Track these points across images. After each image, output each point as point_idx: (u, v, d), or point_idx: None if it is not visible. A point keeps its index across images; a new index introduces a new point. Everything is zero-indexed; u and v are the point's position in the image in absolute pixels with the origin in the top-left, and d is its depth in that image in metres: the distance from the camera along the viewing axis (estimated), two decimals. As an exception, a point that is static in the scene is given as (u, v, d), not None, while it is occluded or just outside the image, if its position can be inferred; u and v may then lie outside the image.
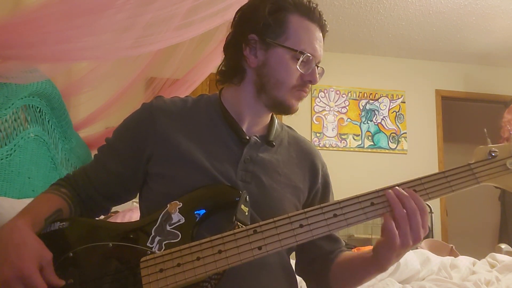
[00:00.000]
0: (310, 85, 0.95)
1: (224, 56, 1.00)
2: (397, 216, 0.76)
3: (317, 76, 0.95)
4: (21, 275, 0.72)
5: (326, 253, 1.00)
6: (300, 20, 0.93)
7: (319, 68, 0.96)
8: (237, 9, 1.00)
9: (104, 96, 2.16)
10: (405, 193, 0.78)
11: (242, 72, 0.96)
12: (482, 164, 0.80)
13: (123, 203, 1.05)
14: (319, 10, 0.95)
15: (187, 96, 1.03)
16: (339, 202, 0.79)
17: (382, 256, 0.80)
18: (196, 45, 2.05)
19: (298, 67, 0.91)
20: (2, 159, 1.34)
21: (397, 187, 0.79)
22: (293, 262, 1.04)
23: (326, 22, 0.97)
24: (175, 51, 2.09)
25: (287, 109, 0.95)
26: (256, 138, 0.97)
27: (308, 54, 0.92)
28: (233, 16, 1.00)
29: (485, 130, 0.91)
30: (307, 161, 1.03)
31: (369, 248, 0.91)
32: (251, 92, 0.96)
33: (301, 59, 0.91)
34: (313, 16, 0.94)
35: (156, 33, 1.57)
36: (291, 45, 0.92)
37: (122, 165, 0.95)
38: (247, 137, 0.95)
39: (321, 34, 0.96)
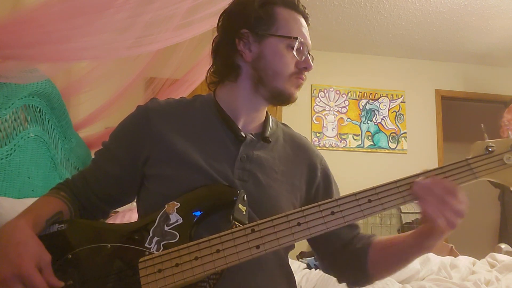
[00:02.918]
0: (306, 72, 0.97)
1: (213, 58, 1.01)
2: (433, 204, 0.77)
3: (311, 62, 0.97)
4: (20, 273, 0.72)
5: (349, 241, 0.99)
6: (287, 11, 0.97)
7: (310, 56, 0.98)
8: (223, 11, 1.02)
9: (104, 96, 2.16)
10: (429, 183, 0.79)
11: (238, 68, 0.97)
12: (479, 159, 0.81)
13: (122, 205, 1.05)
14: (302, 4, 1.00)
15: (182, 97, 1.04)
16: (336, 200, 0.79)
17: (431, 241, 0.82)
18: (195, 45, 2.06)
19: (294, 53, 0.94)
20: (2, 159, 1.34)
21: (418, 181, 0.79)
22: (293, 262, 1.04)
23: (308, 15, 1.01)
24: (175, 51, 2.09)
25: (288, 98, 0.97)
26: (251, 136, 0.97)
27: (302, 40, 0.95)
28: (218, 19, 1.02)
29: (482, 126, 0.91)
30: (304, 157, 1.03)
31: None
32: (248, 87, 0.97)
33: (296, 45, 0.94)
34: (298, 8, 0.98)
35: (156, 33, 1.57)
36: (283, 34, 0.94)
37: (119, 168, 0.95)
38: (243, 135, 0.95)
39: (306, 24, 1.00)
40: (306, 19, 1.00)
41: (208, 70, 1.03)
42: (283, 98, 0.96)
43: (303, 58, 0.96)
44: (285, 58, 0.94)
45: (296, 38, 0.94)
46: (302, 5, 0.99)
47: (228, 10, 1.01)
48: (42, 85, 1.53)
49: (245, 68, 0.97)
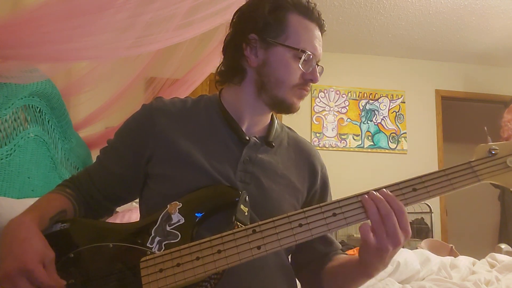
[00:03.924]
0: (310, 83, 0.95)
1: (223, 56, 1.00)
2: (371, 219, 0.74)
3: (318, 74, 0.95)
4: (24, 268, 0.73)
5: (322, 256, 1.00)
6: (300, 19, 0.93)
7: (319, 66, 0.96)
8: (237, 9, 1.00)
9: (104, 96, 2.16)
10: (380, 196, 0.75)
11: (243, 72, 0.97)
12: (482, 162, 0.80)
13: (127, 203, 1.06)
14: (318, 9, 0.96)
15: (186, 97, 1.03)
16: (338, 201, 0.78)
17: (366, 261, 0.79)
18: (196, 45, 2.05)
19: (300, 65, 0.92)
20: (2, 159, 1.34)
21: (373, 192, 0.76)
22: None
23: (324, 22, 0.97)
24: (175, 51, 2.09)
25: (289, 108, 0.95)
26: (255, 139, 0.97)
27: (309, 53, 0.92)
28: (232, 16, 1.00)
29: (485, 128, 0.90)
30: (307, 162, 1.03)
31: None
32: (251, 92, 0.96)
33: (302, 58, 0.92)
34: (312, 15, 0.95)
35: (156, 33, 1.57)
36: (292, 44, 0.92)
37: (123, 166, 0.95)
38: (247, 138, 0.95)
39: (320, 33, 0.97)
40: (321, 27, 0.96)
41: (218, 67, 1.01)
42: (284, 107, 0.95)
43: (310, 69, 0.93)
44: (291, 68, 0.92)
45: (303, 51, 0.91)
46: (318, 12, 0.96)
47: (240, 9, 0.99)
48: (42, 85, 1.53)
49: (250, 72, 0.96)
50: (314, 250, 1.00)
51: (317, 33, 0.96)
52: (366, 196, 0.76)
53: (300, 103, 0.97)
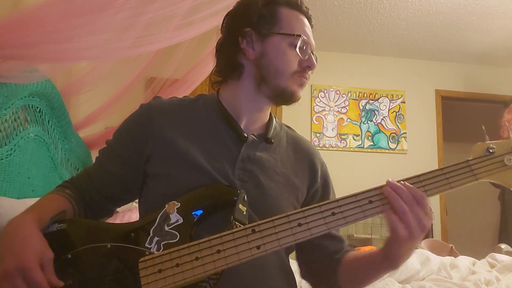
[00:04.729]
0: (309, 71, 0.97)
1: (217, 58, 1.02)
2: (397, 209, 0.76)
3: (314, 61, 0.97)
4: (22, 267, 0.73)
5: (331, 253, 0.99)
6: (291, 11, 0.97)
7: (313, 55, 0.98)
8: (227, 13, 1.03)
9: (104, 96, 2.16)
10: (399, 184, 0.78)
11: (240, 67, 0.98)
12: (480, 161, 0.81)
13: (126, 203, 1.06)
14: (306, 5, 1.00)
15: (185, 96, 1.04)
16: (337, 200, 0.79)
17: (394, 253, 0.80)
18: (196, 45, 2.05)
19: (297, 50, 0.94)
20: (2, 159, 1.34)
21: (390, 180, 0.79)
22: (293, 262, 1.04)
23: (311, 17, 1.01)
24: (175, 51, 2.09)
25: (290, 97, 0.96)
26: (254, 136, 0.97)
27: (304, 37, 0.95)
28: (222, 20, 1.03)
29: (483, 127, 0.91)
30: (306, 161, 1.03)
31: (369, 247, 0.91)
32: (251, 86, 0.97)
33: (298, 43, 0.94)
34: (301, 8, 0.99)
35: (156, 33, 1.57)
36: (286, 32, 0.95)
37: (122, 166, 0.95)
38: (245, 135, 0.95)
39: (309, 25, 1.00)
40: (310, 20, 1.00)
41: (212, 70, 1.03)
42: (285, 97, 0.96)
43: (306, 56, 0.95)
44: (288, 56, 0.94)
45: (299, 36, 0.94)
46: (306, 6, 1.00)
47: (232, 11, 1.02)
48: (42, 85, 1.53)
49: (248, 66, 0.97)
50: (324, 247, 0.99)
51: (308, 23, 0.99)
52: (387, 187, 0.78)
53: (300, 92, 0.98)
